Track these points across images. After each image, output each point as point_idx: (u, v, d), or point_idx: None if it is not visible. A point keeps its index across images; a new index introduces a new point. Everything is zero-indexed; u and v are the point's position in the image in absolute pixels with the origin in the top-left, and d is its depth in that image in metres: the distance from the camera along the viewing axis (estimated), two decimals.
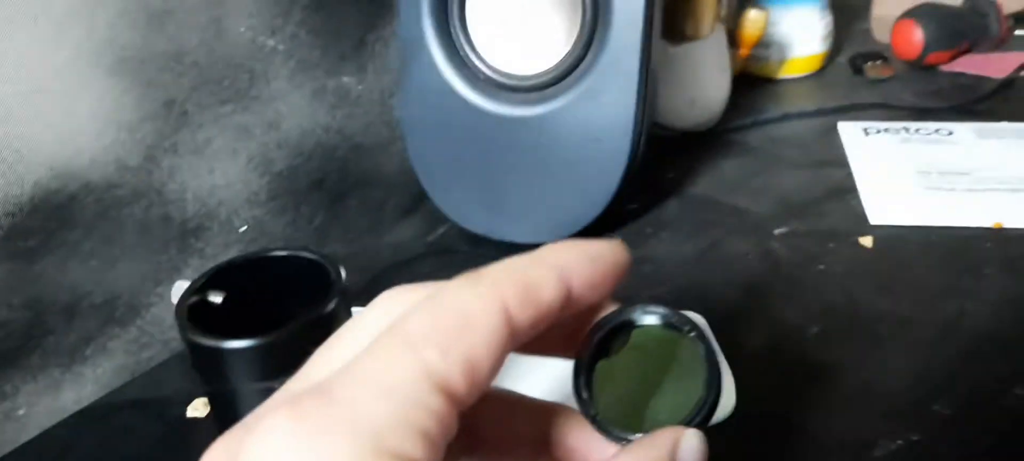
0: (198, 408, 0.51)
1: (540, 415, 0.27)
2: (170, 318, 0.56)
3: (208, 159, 0.57)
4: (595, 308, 0.26)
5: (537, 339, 0.24)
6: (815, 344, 0.52)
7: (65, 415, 0.52)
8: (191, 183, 0.56)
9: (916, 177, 0.68)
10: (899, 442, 0.44)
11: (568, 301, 0.24)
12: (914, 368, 0.49)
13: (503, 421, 0.27)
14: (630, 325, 0.26)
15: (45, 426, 0.51)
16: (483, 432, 0.26)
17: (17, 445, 0.50)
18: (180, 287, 0.39)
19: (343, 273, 0.38)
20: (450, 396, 0.20)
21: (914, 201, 0.65)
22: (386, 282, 0.25)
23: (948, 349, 0.50)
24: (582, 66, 0.59)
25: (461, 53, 0.62)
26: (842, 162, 0.73)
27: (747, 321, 0.54)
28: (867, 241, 0.61)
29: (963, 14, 0.90)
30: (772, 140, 0.79)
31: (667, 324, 0.26)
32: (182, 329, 0.35)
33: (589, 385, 0.26)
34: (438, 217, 0.67)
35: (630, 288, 0.57)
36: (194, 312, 0.37)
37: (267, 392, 0.22)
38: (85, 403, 0.53)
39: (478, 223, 0.65)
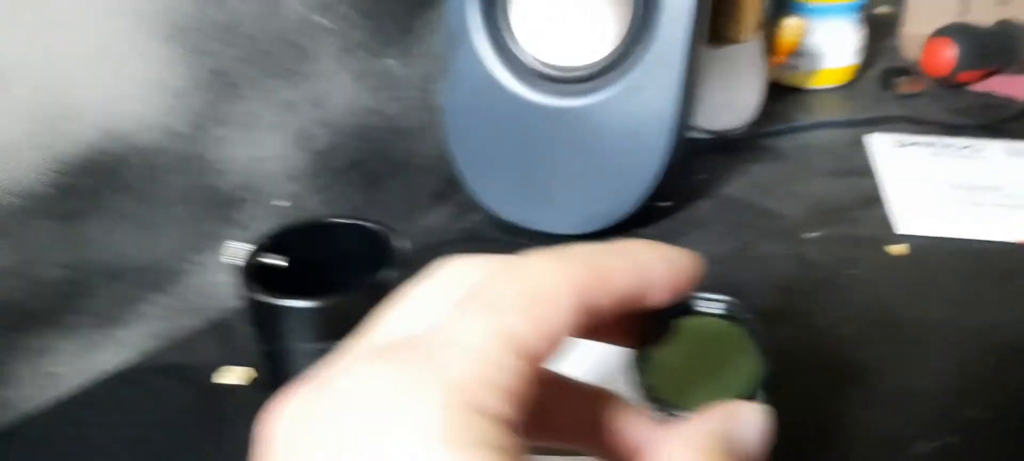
0: (227, 375, 0.52)
1: (587, 397, 0.27)
2: (206, 286, 0.57)
3: (252, 131, 0.57)
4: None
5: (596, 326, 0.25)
6: (848, 345, 0.52)
7: (99, 376, 0.53)
8: (235, 154, 0.57)
9: (947, 190, 0.69)
10: (935, 443, 0.44)
11: (641, 299, 0.24)
12: (947, 373, 0.49)
13: (550, 401, 0.27)
14: (688, 311, 0.27)
15: (79, 385, 0.52)
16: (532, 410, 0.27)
17: (50, 403, 0.51)
18: (234, 248, 0.39)
19: (409, 244, 0.38)
20: (530, 361, 0.21)
21: (944, 212, 0.66)
22: (418, 264, 0.26)
23: (980, 356, 0.51)
24: (628, 61, 0.60)
25: (506, 43, 0.63)
26: (870, 172, 0.73)
27: (779, 320, 0.54)
28: (897, 249, 0.61)
29: (995, 35, 0.91)
30: (802, 147, 0.79)
31: (725, 313, 0.27)
32: (247, 286, 0.36)
33: (646, 366, 0.27)
34: (470, 204, 0.68)
35: None
36: (252, 271, 0.37)
37: (320, 353, 0.23)
38: (119, 366, 0.53)
39: (512, 212, 0.65)
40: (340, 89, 0.62)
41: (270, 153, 0.59)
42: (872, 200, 0.69)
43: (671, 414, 0.26)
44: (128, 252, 0.53)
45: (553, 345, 0.21)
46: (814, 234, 0.64)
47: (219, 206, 0.57)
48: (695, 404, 0.25)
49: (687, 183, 0.72)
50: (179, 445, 0.47)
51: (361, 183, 0.66)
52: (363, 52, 0.63)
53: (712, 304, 0.27)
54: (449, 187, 0.70)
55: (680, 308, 0.27)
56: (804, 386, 0.49)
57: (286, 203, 0.60)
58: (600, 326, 0.25)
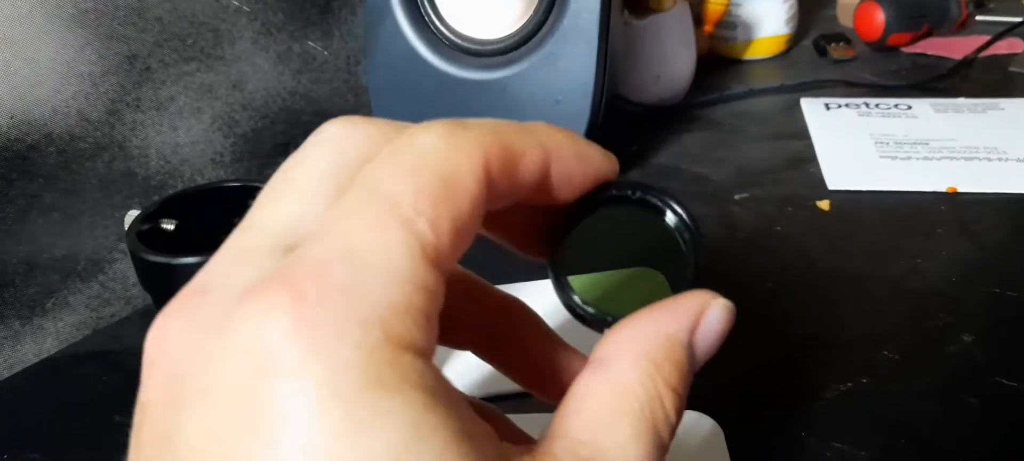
0: None
1: (494, 306, 0.25)
2: (131, 274, 0.56)
3: (171, 116, 0.57)
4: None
5: (501, 226, 0.23)
6: (767, 299, 0.52)
7: (23, 367, 0.52)
8: (154, 140, 0.56)
9: (874, 146, 0.70)
10: (848, 384, 0.45)
11: (544, 185, 0.21)
12: (864, 319, 0.50)
13: (451, 307, 0.21)
14: (603, 201, 0.23)
15: (3, 376, 0.51)
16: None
17: None
18: (132, 215, 0.39)
19: None
20: (442, 269, 0.18)
21: (872, 168, 0.67)
22: None
23: (898, 302, 0.51)
24: (543, 30, 0.60)
25: (426, 18, 0.63)
26: (803, 135, 0.74)
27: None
28: (825, 204, 0.62)
29: None
30: (736, 115, 0.80)
31: (642, 201, 0.24)
32: (133, 248, 0.35)
33: (563, 277, 0.23)
34: None
35: None
36: (147, 238, 0.37)
37: None
38: (43, 355, 0.53)
39: None
40: (260, 72, 0.62)
41: (190, 138, 0.58)
42: (803, 160, 0.69)
43: (593, 319, 0.23)
44: (48, 241, 0.52)
45: (463, 243, 0.18)
46: (743, 195, 0.65)
47: (140, 193, 0.56)
48: (620, 309, 0.22)
49: (619, 154, 0.72)
50: (105, 432, 0.47)
51: None
52: (282, 34, 0.63)
53: (630, 190, 0.24)
54: None
55: (592, 201, 0.23)
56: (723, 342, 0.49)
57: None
58: (504, 222, 0.23)
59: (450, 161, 0.18)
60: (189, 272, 0.34)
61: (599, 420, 0.19)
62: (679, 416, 0.20)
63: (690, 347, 0.21)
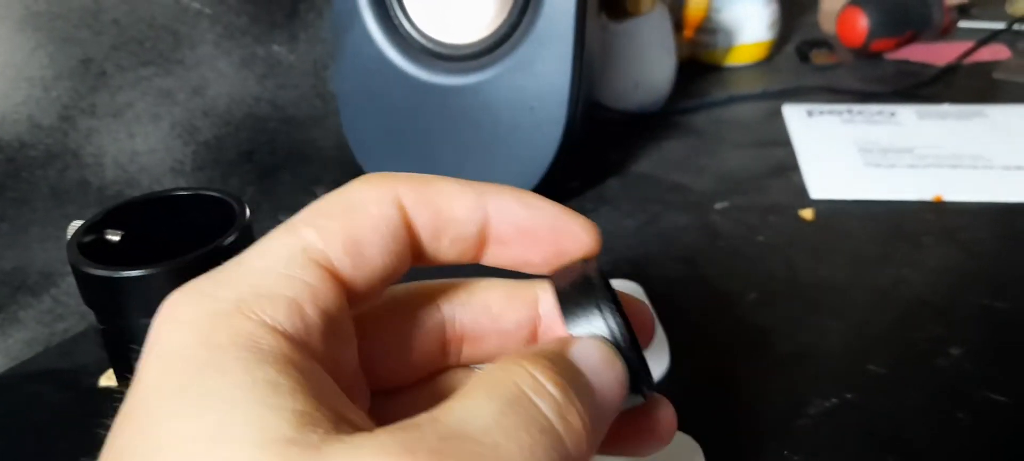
0: (111, 378, 0.49)
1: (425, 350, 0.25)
2: None
3: (128, 123, 0.55)
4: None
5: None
6: (752, 310, 0.51)
7: None
8: (110, 147, 0.54)
9: (858, 154, 0.68)
10: (833, 400, 0.43)
11: (486, 230, 0.23)
12: (849, 331, 0.48)
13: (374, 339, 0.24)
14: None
15: None
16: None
17: None
18: (75, 226, 0.37)
19: (248, 211, 0.36)
20: (330, 270, 0.20)
21: (855, 176, 0.65)
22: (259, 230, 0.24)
23: (884, 313, 0.49)
24: (516, 34, 0.58)
25: (395, 22, 0.61)
26: (785, 142, 0.72)
27: (684, 288, 0.53)
28: (807, 214, 0.60)
29: (907, 3, 0.90)
30: (717, 122, 0.78)
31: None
32: (73, 260, 0.33)
33: None
34: None
35: None
36: (91, 250, 0.35)
37: None
38: None
39: None
40: (223, 77, 0.60)
41: (148, 146, 0.56)
42: (785, 168, 0.68)
43: None
44: None
45: (365, 253, 0.21)
46: (724, 204, 0.63)
47: (95, 203, 0.54)
48: None
49: (597, 162, 0.70)
50: (53, 452, 0.44)
51: (254, 175, 0.64)
52: (245, 38, 0.61)
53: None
54: (348, 175, 0.68)
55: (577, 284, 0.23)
56: (704, 350, 0.47)
57: None
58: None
59: (356, 190, 0.22)
60: (134, 286, 0.32)
61: (467, 399, 0.19)
62: (576, 430, 0.19)
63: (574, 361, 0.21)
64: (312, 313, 0.19)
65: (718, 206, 0.63)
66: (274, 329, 0.18)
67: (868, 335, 0.48)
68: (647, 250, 0.58)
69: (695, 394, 0.44)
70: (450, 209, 0.22)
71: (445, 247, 0.23)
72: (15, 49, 0.48)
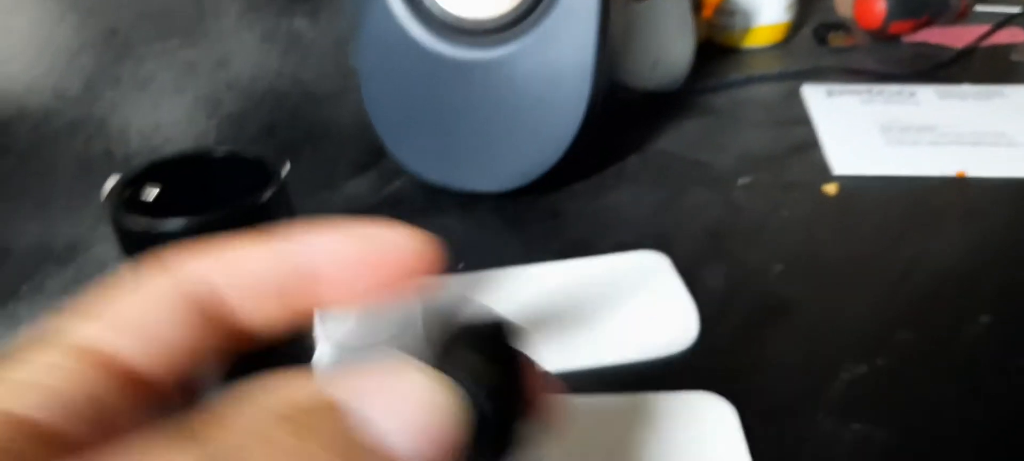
0: None
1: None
2: (108, 258, 0.54)
3: (153, 94, 0.55)
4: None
5: None
6: (777, 282, 0.50)
7: None
8: (134, 118, 0.54)
9: (879, 132, 0.68)
10: (863, 367, 0.43)
11: (305, 276, 0.20)
12: (878, 301, 0.48)
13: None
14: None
15: None
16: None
17: None
18: (112, 181, 0.37)
19: (286, 168, 0.36)
20: (95, 357, 0.18)
21: (878, 153, 0.65)
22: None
23: (911, 284, 0.49)
24: (540, 7, 0.58)
25: None
26: (805, 121, 0.72)
27: (709, 261, 0.53)
28: (830, 189, 0.60)
29: None
30: (736, 102, 0.78)
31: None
32: (114, 213, 0.33)
33: None
34: (394, 171, 0.65)
35: (591, 235, 0.56)
36: (128, 206, 0.35)
37: None
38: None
39: (435, 173, 0.63)
40: (246, 51, 0.60)
41: (173, 118, 0.56)
42: (806, 146, 0.67)
43: None
44: (20, 223, 0.50)
45: (136, 330, 0.18)
46: (746, 179, 0.63)
47: (119, 174, 0.54)
48: None
49: (617, 140, 0.70)
50: None
51: (276, 151, 0.64)
52: (267, 12, 0.60)
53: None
54: (372, 157, 0.68)
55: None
56: (732, 319, 0.47)
57: None
58: None
59: (131, 274, 0.19)
60: (176, 239, 0.32)
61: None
62: None
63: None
64: (90, 407, 0.17)
65: (741, 182, 0.62)
66: (23, 422, 0.16)
67: (896, 305, 0.48)
68: (671, 224, 0.58)
69: (726, 359, 0.44)
70: (244, 266, 0.20)
71: (267, 307, 0.20)
72: (41, 19, 0.48)
